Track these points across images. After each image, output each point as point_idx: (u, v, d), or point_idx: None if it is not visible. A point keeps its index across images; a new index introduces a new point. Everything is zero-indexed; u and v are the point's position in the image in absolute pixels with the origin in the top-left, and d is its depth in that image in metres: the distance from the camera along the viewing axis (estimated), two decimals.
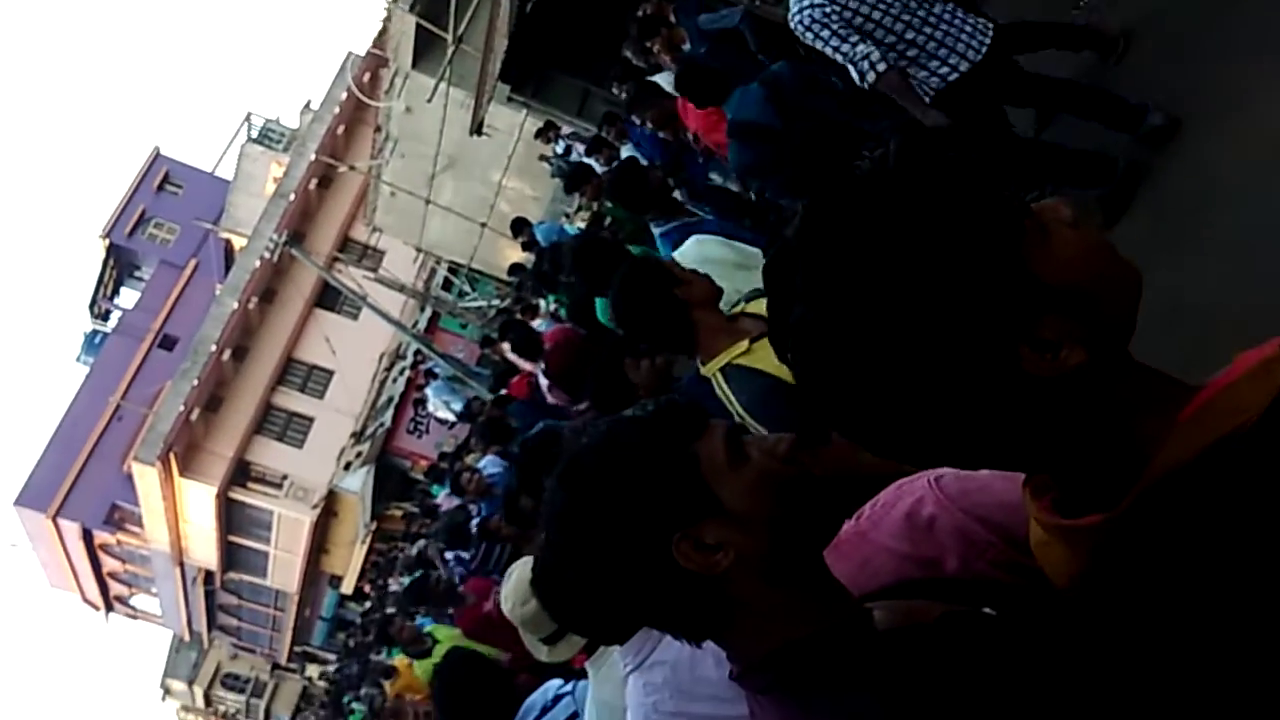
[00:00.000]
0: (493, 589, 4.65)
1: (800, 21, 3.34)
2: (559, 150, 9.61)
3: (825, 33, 3.28)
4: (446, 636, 5.39)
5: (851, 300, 0.77)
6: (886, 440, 0.83)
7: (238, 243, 23.89)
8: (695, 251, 3.49)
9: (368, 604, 18.13)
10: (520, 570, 2.33)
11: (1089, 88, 3.62)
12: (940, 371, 0.76)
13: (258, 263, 20.33)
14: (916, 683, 0.84)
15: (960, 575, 1.11)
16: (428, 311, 18.26)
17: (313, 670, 29.16)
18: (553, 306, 7.55)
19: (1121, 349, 0.80)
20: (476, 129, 9.77)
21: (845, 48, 3.25)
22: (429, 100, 10.33)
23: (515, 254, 11.43)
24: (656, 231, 3.77)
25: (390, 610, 10.95)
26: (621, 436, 1.00)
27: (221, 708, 35.16)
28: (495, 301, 14.88)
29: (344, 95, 19.98)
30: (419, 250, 15.94)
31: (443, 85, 9.77)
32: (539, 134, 9.88)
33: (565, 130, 9.60)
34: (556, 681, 2.70)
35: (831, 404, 0.82)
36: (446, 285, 17.59)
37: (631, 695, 1.77)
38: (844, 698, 0.88)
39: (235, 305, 20.77)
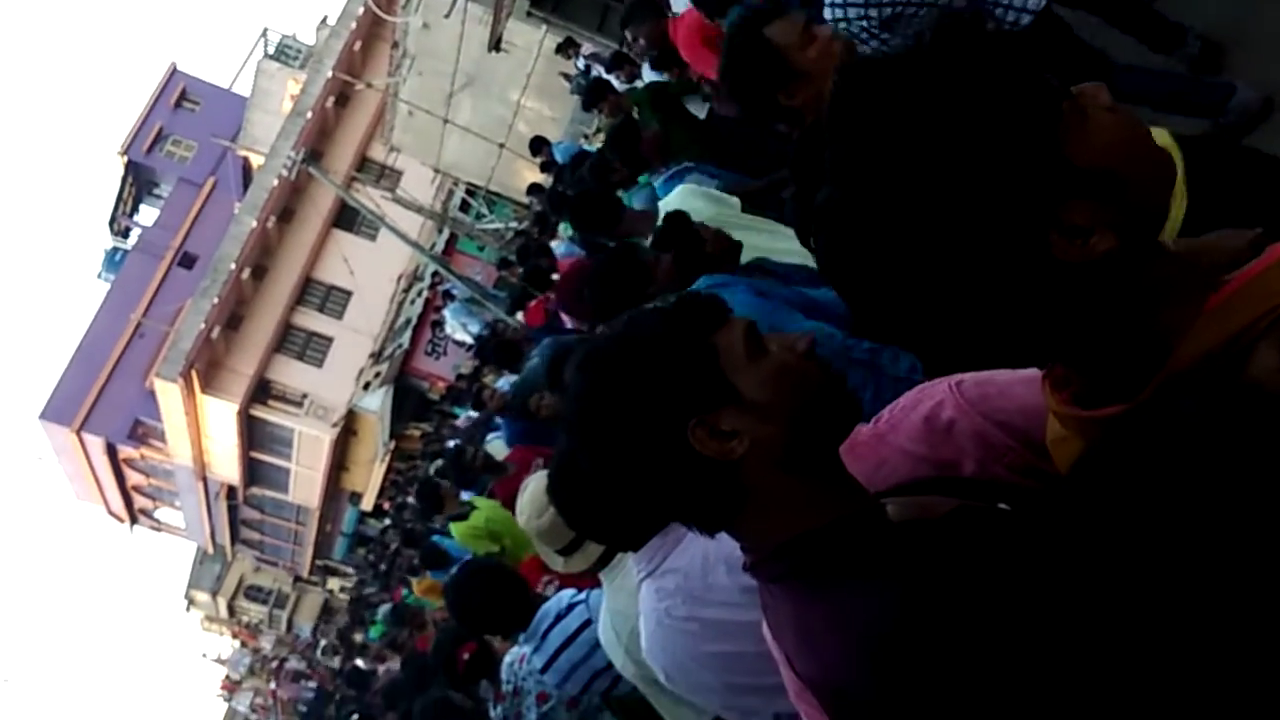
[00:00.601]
0: (534, 461, 4.71)
1: None
2: (580, 67, 9.44)
3: None
4: (486, 506, 5.45)
5: (881, 176, 0.76)
6: (909, 326, 0.82)
7: (255, 161, 23.76)
8: (676, 201, 3.54)
9: (386, 520, 18.50)
10: (535, 483, 2.36)
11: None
12: (967, 252, 0.76)
13: (275, 181, 20.24)
14: (930, 572, 0.85)
15: (976, 478, 1.11)
16: (445, 233, 18.18)
17: (334, 583, 29.92)
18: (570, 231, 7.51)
19: (1152, 237, 0.79)
20: (495, 45, 9.59)
21: None
22: (447, 16, 10.13)
23: (533, 176, 11.32)
24: (656, 183, 3.74)
25: (409, 524, 11.15)
26: (641, 325, 1.01)
27: (245, 618, 36.20)
28: (513, 224, 14.80)
29: (360, 10, 19.58)
30: (436, 171, 15.81)
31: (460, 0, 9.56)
32: (559, 49, 9.70)
33: (586, 49, 9.41)
34: (570, 591, 2.75)
35: (856, 287, 0.82)
36: (464, 207, 17.48)
37: (644, 602, 1.80)
38: (857, 585, 0.89)
39: (254, 224, 20.75)
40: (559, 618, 2.63)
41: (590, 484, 1.07)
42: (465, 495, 6.08)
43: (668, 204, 3.70)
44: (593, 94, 5.86)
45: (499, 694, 2.90)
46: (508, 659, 2.87)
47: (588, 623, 2.54)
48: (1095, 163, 0.75)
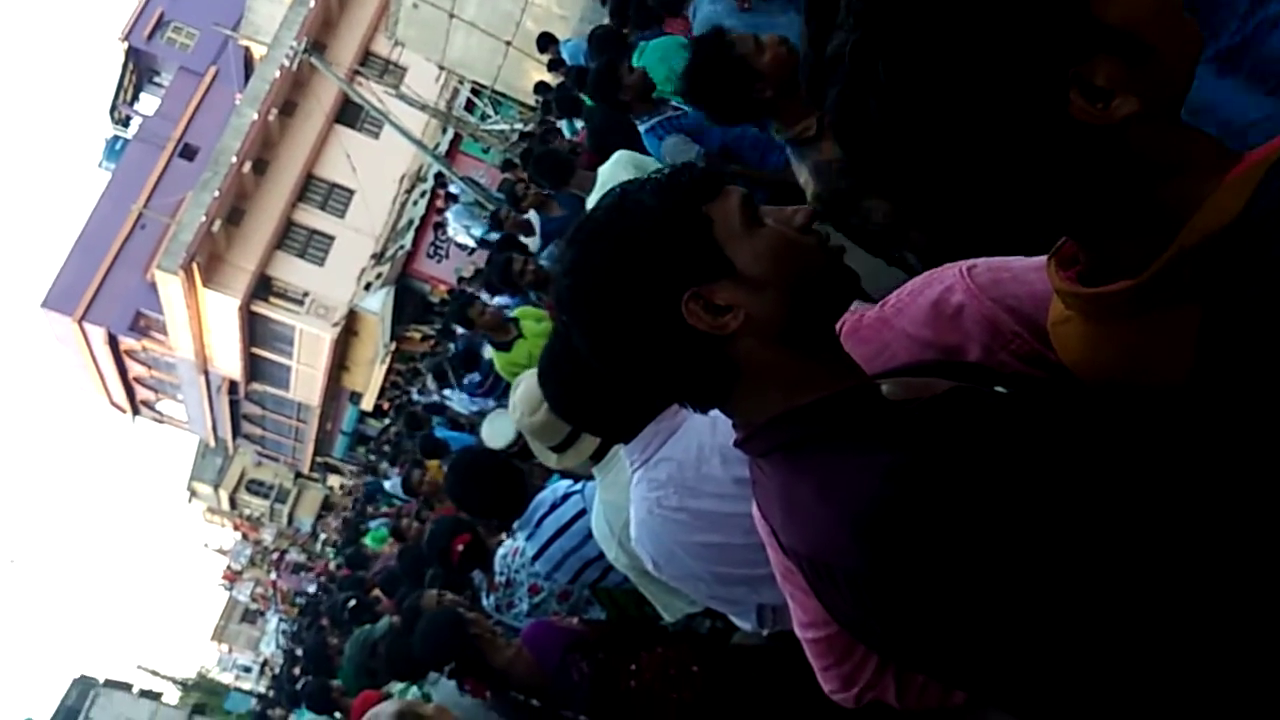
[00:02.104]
0: None
1: None
2: None
3: None
4: (533, 315, 5.44)
5: (899, 21, 0.74)
6: (921, 191, 0.80)
7: (257, 51, 23.20)
8: (608, 173, 3.72)
9: (386, 420, 18.68)
10: (529, 380, 2.37)
11: None
12: (985, 109, 0.74)
13: (278, 72, 19.79)
14: (923, 446, 0.84)
15: (981, 364, 1.11)
16: (449, 133, 17.86)
17: (334, 480, 30.39)
18: (578, 135, 7.36)
19: (1174, 107, 0.77)
20: None
21: None
22: None
23: (540, 76, 11.06)
24: (642, 128, 3.66)
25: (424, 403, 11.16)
26: (634, 196, 0.99)
27: (246, 511, 36.91)
28: (518, 125, 14.53)
29: None
30: (441, 69, 15.42)
31: None
32: None
33: None
34: (566, 482, 2.79)
35: (866, 144, 0.80)
36: (469, 107, 17.14)
37: (635, 491, 1.81)
38: (849, 459, 0.88)
39: (255, 116, 20.37)
40: (554, 507, 2.68)
41: (582, 367, 1.06)
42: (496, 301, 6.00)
43: (602, 173, 3.75)
44: None
45: (492, 584, 2.97)
46: (501, 551, 2.94)
47: (582, 513, 2.59)
48: (1123, 22, 0.72)
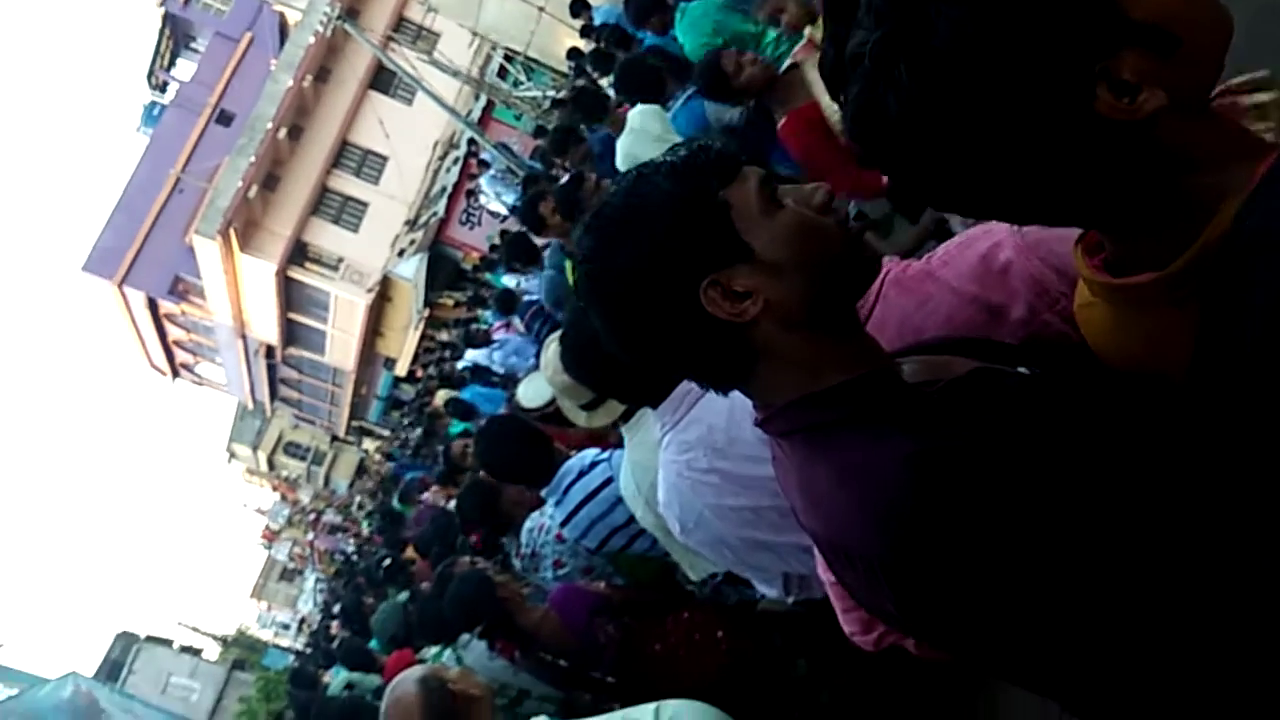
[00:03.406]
0: None
1: None
2: None
3: None
4: None
5: (919, 20, 0.73)
6: (943, 181, 0.80)
7: (291, 17, 23.23)
8: (637, 120, 3.93)
9: (419, 387, 18.84)
10: (557, 341, 2.38)
11: None
12: (1009, 108, 0.73)
13: (312, 38, 19.81)
14: (940, 431, 0.83)
15: (1024, 323, 1.09)
16: (482, 100, 17.81)
17: (369, 444, 30.75)
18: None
19: (1202, 98, 0.76)
20: None
21: None
22: None
23: (573, 42, 10.99)
24: (681, 98, 3.69)
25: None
26: (650, 180, 0.96)
27: (284, 473, 37.47)
28: (550, 92, 14.46)
29: None
30: (474, 35, 15.38)
31: None
32: None
33: None
34: (593, 450, 2.82)
35: (885, 142, 0.79)
36: (501, 73, 17.07)
37: (664, 455, 1.81)
38: (865, 444, 0.88)
39: (290, 83, 20.44)
40: (581, 474, 2.70)
41: (600, 348, 1.06)
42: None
43: (631, 118, 3.85)
44: None
45: (519, 553, 3.01)
46: (527, 525, 2.96)
47: (609, 480, 2.61)
48: (1151, 15, 0.71)
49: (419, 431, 14.52)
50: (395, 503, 10.62)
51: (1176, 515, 0.74)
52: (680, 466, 1.74)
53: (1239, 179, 0.72)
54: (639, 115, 4.00)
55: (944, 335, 1.13)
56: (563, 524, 2.72)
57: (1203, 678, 0.73)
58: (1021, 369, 0.98)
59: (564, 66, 11.98)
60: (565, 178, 5.11)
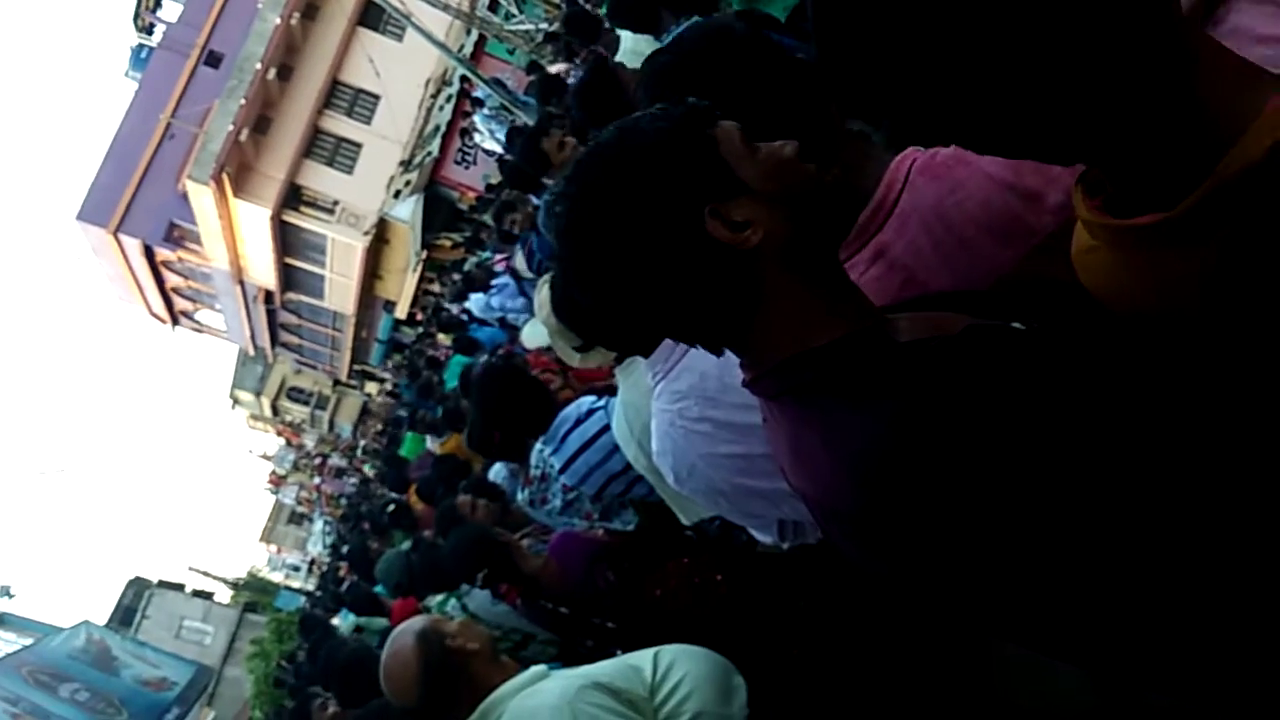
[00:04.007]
0: None
1: None
2: None
3: None
4: None
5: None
6: (927, 105, 0.73)
7: None
8: (630, 41, 3.86)
9: (420, 329, 18.83)
10: (549, 284, 2.35)
11: None
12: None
13: None
14: (929, 393, 0.82)
15: (1060, 209, 1.05)
16: (474, 35, 17.47)
17: (371, 387, 30.89)
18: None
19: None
20: None
21: None
22: None
23: None
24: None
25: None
26: (631, 128, 1.00)
27: (288, 418, 37.74)
28: (543, 25, 14.17)
29: None
30: None
31: None
32: None
33: None
34: (590, 397, 2.80)
35: (856, 47, 0.73)
36: (492, 7, 16.72)
37: (656, 404, 1.80)
38: (854, 405, 0.87)
39: (277, 21, 20.06)
40: (578, 422, 2.69)
41: (596, 280, 1.04)
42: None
43: (625, 38, 3.73)
44: None
45: (527, 478, 3.01)
46: (537, 446, 2.96)
47: (606, 428, 2.60)
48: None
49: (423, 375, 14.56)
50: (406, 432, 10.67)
51: (1180, 473, 0.71)
52: (672, 415, 1.72)
53: (1258, 103, 0.67)
54: (633, 38, 3.91)
55: (949, 289, 1.11)
56: (560, 471, 2.71)
57: (1196, 644, 0.72)
58: (1016, 324, 0.96)
59: None
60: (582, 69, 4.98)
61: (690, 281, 0.95)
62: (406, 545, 5.54)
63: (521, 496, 3.06)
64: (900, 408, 0.81)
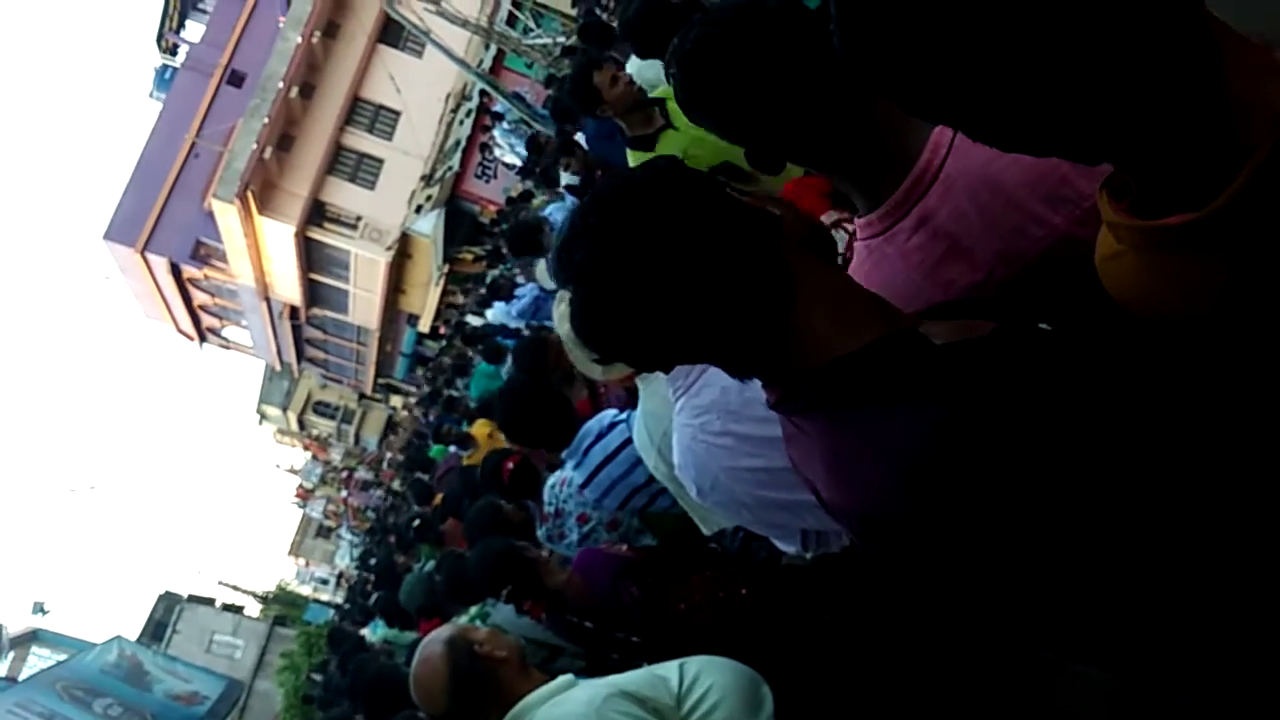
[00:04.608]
0: None
1: None
2: None
3: None
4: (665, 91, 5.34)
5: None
6: (950, 101, 0.71)
7: None
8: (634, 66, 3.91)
9: (444, 341, 18.94)
10: (567, 301, 2.35)
11: None
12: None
13: None
14: (969, 395, 0.81)
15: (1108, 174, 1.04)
16: (492, 50, 17.60)
17: (396, 401, 31.06)
18: None
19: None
20: None
21: None
22: None
23: None
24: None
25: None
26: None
27: (314, 432, 37.99)
28: (561, 39, 14.24)
29: None
30: None
31: None
32: None
33: None
34: (612, 411, 2.81)
35: (884, 38, 0.71)
36: (510, 21, 16.83)
37: (677, 419, 1.81)
38: (894, 410, 0.86)
39: (299, 40, 20.29)
40: (600, 435, 2.70)
41: (623, 320, 1.05)
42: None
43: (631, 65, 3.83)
44: None
45: (543, 515, 3.02)
46: (550, 481, 2.97)
47: (628, 441, 2.60)
48: None
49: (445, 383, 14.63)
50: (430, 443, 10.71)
51: (1217, 470, 0.71)
52: (694, 430, 1.73)
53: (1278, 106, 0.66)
54: (638, 63, 3.91)
55: (968, 291, 1.10)
56: (583, 485, 2.72)
57: (1239, 645, 0.72)
58: (1042, 325, 0.95)
59: (572, 11, 11.78)
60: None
61: (726, 283, 0.94)
62: (430, 566, 5.55)
63: (540, 533, 3.07)
64: (947, 411, 0.81)
